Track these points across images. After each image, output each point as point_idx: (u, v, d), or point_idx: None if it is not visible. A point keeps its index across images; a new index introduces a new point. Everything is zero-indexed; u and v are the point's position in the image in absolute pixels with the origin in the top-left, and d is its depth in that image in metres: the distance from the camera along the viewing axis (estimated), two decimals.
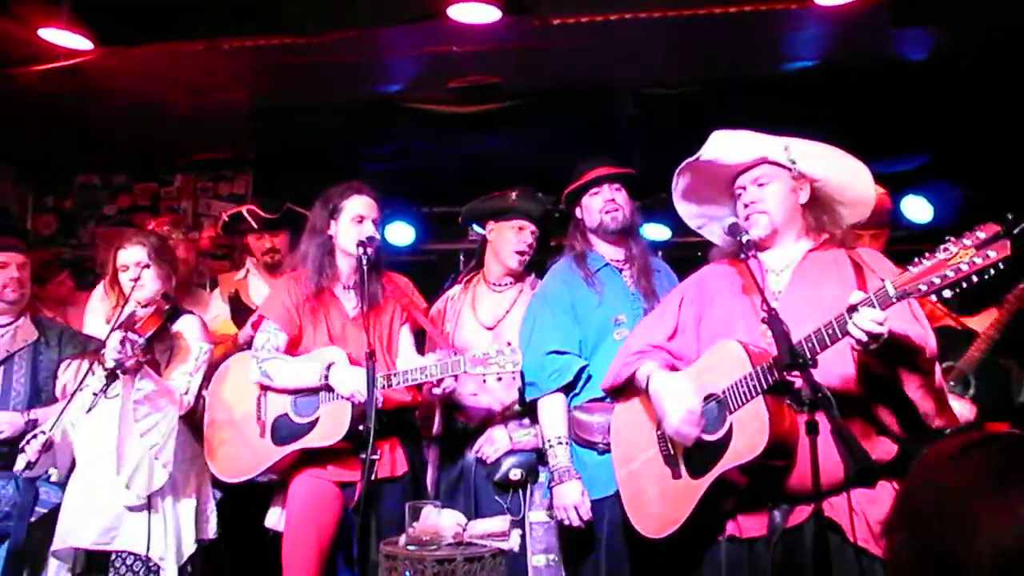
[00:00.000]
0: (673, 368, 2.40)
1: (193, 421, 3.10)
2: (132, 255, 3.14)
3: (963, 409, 2.91)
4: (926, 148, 4.28)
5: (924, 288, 1.85)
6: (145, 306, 3.10)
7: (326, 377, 2.87)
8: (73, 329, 3.40)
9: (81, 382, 2.96)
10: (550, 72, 4.28)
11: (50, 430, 2.90)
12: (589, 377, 2.87)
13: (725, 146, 2.36)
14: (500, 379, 2.81)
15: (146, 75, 4.22)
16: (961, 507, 0.75)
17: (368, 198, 3.06)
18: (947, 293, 1.84)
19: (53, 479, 3.08)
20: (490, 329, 3.20)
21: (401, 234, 5.47)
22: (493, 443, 3.07)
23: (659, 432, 2.37)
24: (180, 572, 2.99)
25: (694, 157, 2.38)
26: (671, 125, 4.15)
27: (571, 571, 2.90)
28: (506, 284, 3.27)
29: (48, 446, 2.90)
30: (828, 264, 2.30)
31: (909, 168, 4.24)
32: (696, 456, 2.26)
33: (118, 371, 2.87)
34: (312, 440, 2.90)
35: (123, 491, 2.91)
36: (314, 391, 2.92)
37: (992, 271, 1.79)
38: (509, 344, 2.79)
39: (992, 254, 1.78)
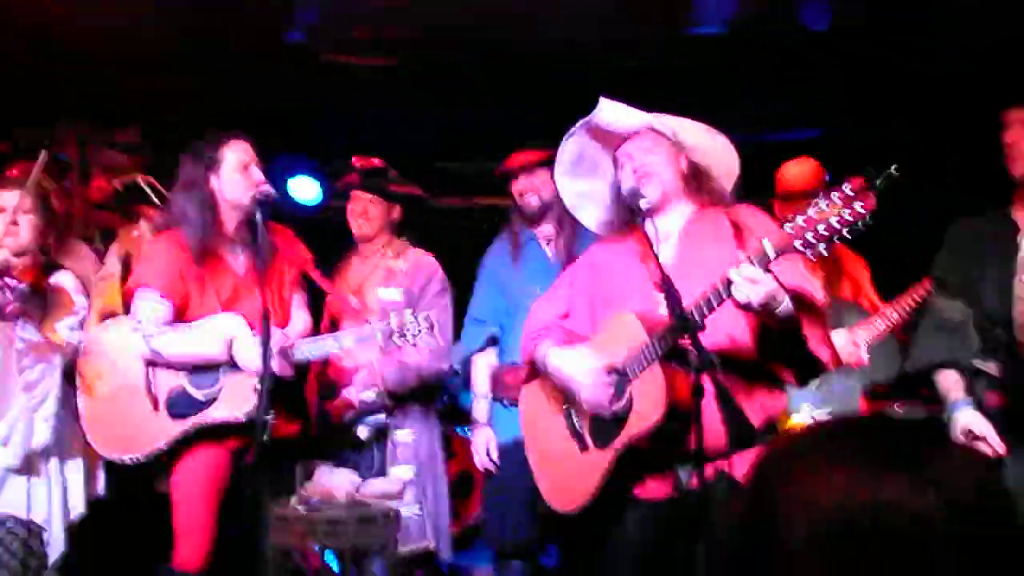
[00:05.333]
0: (569, 343, 2.43)
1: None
2: (10, 199, 2.94)
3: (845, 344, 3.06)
4: (820, 121, 4.41)
5: (799, 245, 1.92)
6: (18, 255, 2.92)
7: (228, 354, 2.75)
8: None
9: None
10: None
11: None
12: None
13: (618, 112, 2.38)
14: (415, 346, 2.96)
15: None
16: (784, 480, 0.77)
17: (247, 143, 2.91)
18: (822, 247, 1.91)
19: None
20: (355, 293, 3.33)
21: (306, 189, 5.34)
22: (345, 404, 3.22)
23: (564, 408, 2.41)
24: (67, 534, 2.88)
25: (587, 121, 2.38)
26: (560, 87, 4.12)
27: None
28: (370, 252, 3.43)
29: None
30: (709, 225, 2.37)
31: (800, 139, 4.37)
32: (601, 428, 2.31)
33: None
34: (217, 414, 2.77)
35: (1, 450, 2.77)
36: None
37: (861, 224, 1.86)
38: (426, 315, 2.78)
39: (860, 207, 1.85)
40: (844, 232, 1.88)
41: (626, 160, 2.39)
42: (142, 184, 3.73)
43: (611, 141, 2.42)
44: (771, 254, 1.97)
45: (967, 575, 0.71)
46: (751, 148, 4.61)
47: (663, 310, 2.23)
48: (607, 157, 2.46)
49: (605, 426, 2.28)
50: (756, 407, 2.23)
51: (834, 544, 0.73)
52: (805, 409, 3.16)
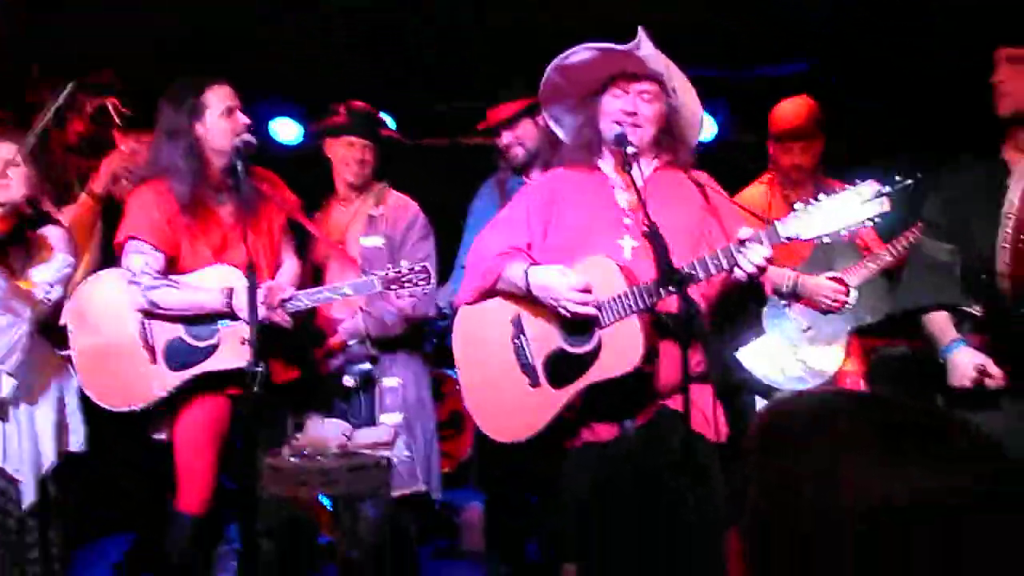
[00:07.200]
0: None
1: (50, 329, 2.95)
2: (0, 151, 2.89)
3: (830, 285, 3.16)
4: (805, 55, 4.33)
5: (809, 233, 2.07)
6: (2, 205, 2.88)
7: (228, 304, 2.75)
8: None
9: None
10: None
11: None
12: None
13: (653, 50, 2.31)
14: (412, 296, 2.97)
15: None
16: (850, 464, 0.77)
17: (229, 87, 2.84)
18: (826, 239, 2.07)
19: None
20: (337, 242, 3.27)
21: (287, 130, 5.23)
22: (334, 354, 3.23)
23: (516, 340, 2.40)
24: (41, 485, 2.90)
25: (630, 46, 2.28)
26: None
27: None
28: (350, 198, 3.34)
29: None
30: (673, 185, 2.39)
31: (786, 74, 4.30)
32: (558, 367, 2.32)
33: None
34: (216, 363, 2.80)
35: None
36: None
37: (870, 223, 2.04)
38: (423, 264, 2.82)
39: (873, 208, 2.00)
40: (853, 227, 2.04)
41: (619, 101, 2.34)
42: (109, 108, 3.63)
43: (602, 75, 2.37)
44: (782, 236, 2.08)
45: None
46: (740, 83, 4.61)
47: (627, 255, 2.30)
48: (589, 88, 2.40)
49: (563, 365, 2.31)
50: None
51: (868, 535, 0.74)
52: (801, 348, 3.19)
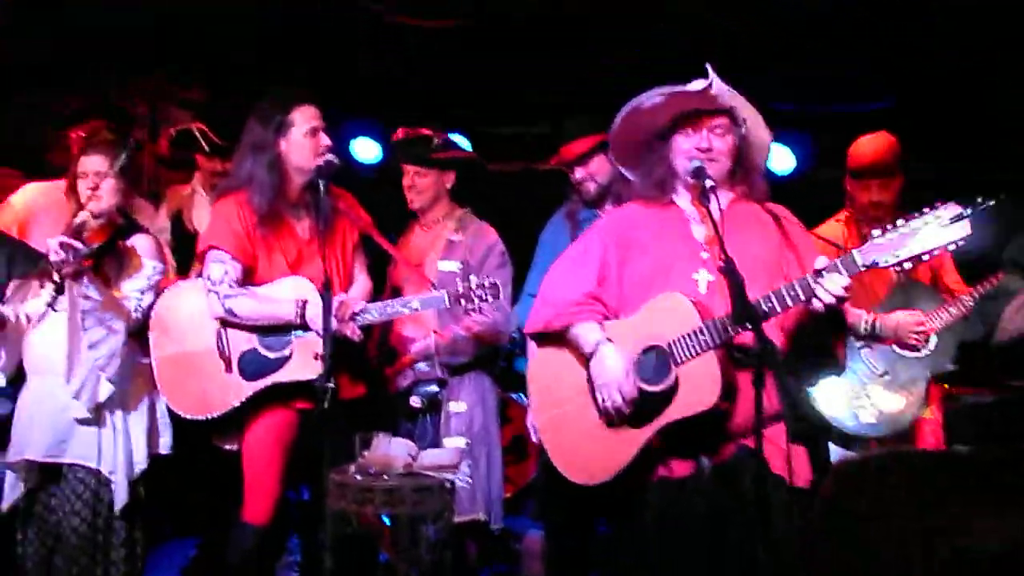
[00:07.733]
0: (606, 319, 2.41)
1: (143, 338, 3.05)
2: (94, 163, 3.01)
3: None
4: (889, 91, 4.25)
5: (889, 260, 2.00)
6: (98, 217, 3.00)
7: (301, 316, 2.82)
8: (26, 247, 3.20)
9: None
10: None
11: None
12: None
13: (722, 85, 2.32)
14: (481, 311, 2.99)
15: None
16: (915, 522, 0.77)
17: (315, 107, 2.92)
18: (907, 265, 2.00)
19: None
20: (416, 265, 3.33)
21: (367, 151, 5.32)
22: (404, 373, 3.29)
23: (591, 383, 2.39)
24: (131, 487, 2.99)
25: (702, 85, 2.31)
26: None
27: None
28: (430, 223, 3.41)
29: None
30: (749, 217, 2.38)
31: (871, 110, 4.22)
32: (635, 406, 2.30)
33: (59, 276, 2.81)
34: (288, 374, 2.86)
35: (72, 402, 2.91)
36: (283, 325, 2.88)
37: (952, 247, 1.95)
38: (492, 281, 2.85)
39: (954, 232, 1.93)
40: (935, 252, 1.96)
41: (693, 139, 2.34)
42: (195, 132, 3.73)
43: (667, 115, 2.38)
44: (859, 264, 2.03)
45: None
46: (821, 119, 4.54)
47: (702, 289, 2.28)
48: (656, 129, 2.41)
49: (640, 404, 2.29)
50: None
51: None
52: (876, 393, 3.10)
